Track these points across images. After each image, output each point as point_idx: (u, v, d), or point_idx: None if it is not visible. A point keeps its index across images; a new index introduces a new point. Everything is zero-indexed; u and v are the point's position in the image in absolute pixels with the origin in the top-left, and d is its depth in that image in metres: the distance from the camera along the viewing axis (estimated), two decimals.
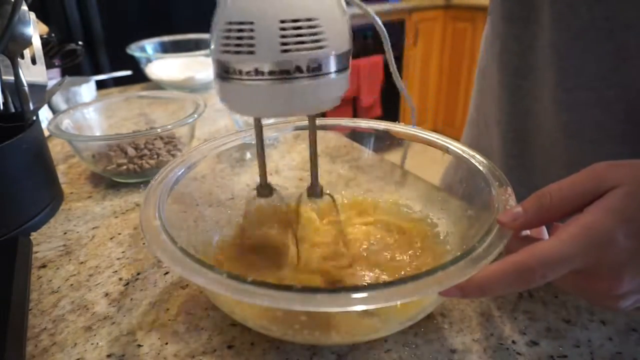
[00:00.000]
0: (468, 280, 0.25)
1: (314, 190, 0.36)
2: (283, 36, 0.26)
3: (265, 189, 0.36)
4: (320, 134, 0.50)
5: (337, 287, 0.25)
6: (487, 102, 0.54)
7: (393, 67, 0.41)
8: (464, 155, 0.39)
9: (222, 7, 0.27)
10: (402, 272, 0.38)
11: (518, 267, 0.25)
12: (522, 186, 0.28)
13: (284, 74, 0.26)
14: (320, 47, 0.26)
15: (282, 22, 0.25)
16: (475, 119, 0.58)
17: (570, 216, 0.27)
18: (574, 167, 0.28)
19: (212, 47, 0.28)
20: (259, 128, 0.33)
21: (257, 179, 0.36)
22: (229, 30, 0.27)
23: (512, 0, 0.45)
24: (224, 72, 0.28)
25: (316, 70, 0.27)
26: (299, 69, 0.26)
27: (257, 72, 0.27)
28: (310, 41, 0.26)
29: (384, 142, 0.47)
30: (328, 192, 0.37)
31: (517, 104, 0.49)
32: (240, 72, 0.27)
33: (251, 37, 0.26)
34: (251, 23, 0.26)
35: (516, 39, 0.46)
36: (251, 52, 0.26)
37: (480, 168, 0.37)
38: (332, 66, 0.28)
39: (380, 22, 0.38)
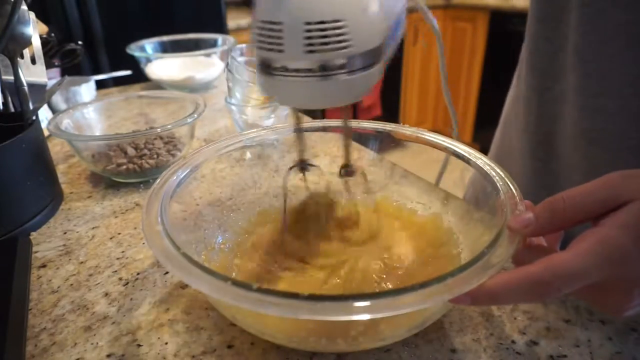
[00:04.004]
0: (479, 288, 0.25)
1: (347, 170, 0.40)
2: (309, 37, 0.27)
3: (305, 163, 0.40)
4: (320, 133, 0.50)
5: (344, 295, 0.24)
6: (518, 104, 0.53)
7: (445, 81, 0.43)
8: (470, 158, 0.38)
9: (257, 4, 0.28)
10: (415, 277, 0.37)
11: (533, 279, 0.24)
12: (546, 191, 0.27)
13: (308, 72, 0.28)
14: (345, 47, 0.27)
15: (308, 23, 0.26)
16: (508, 121, 0.58)
17: (580, 224, 0.27)
18: (592, 175, 0.27)
19: (252, 40, 0.30)
20: (295, 114, 0.37)
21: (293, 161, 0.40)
22: (262, 28, 0.28)
23: (544, 1, 0.45)
24: (259, 65, 0.30)
25: (341, 68, 0.28)
26: (324, 68, 0.28)
27: (286, 69, 0.28)
28: (335, 42, 0.27)
29: (385, 142, 0.46)
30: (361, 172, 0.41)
31: (545, 107, 0.48)
32: (272, 67, 0.29)
33: (280, 37, 0.27)
34: (280, 23, 0.27)
35: (547, 40, 0.45)
36: (280, 51, 0.28)
37: (488, 171, 0.36)
38: (358, 64, 0.28)
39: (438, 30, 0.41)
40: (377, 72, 0.30)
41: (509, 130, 0.57)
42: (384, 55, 0.31)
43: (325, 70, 0.28)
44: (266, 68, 0.29)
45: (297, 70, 0.28)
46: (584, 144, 0.44)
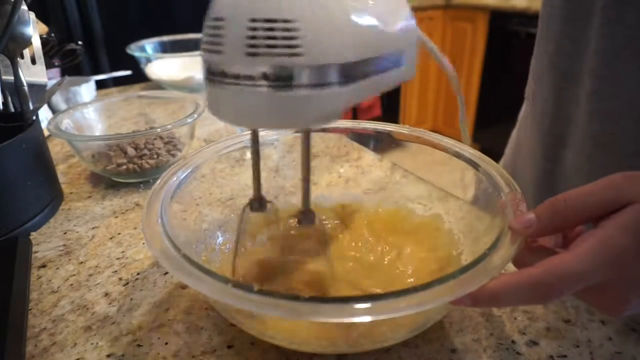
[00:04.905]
0: (480, 289, 0.24)
1: (307, 217, 0.32)
2: (252, 37, 0.23)
3: (259, 203, 0.33)
4: (320, 133, 0.50)
5: (345, 297, 0.24)
6: (534, 104, 0.53)
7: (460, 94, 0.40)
8: (471, 158, 0.38)
9: (210, 3, 0.25)
10: (414, 279, 0.37)
11: (534, 280, 0.24)
12: (553, 193, 0.27)
13: (248, 79, 0.23)
14: (294, 55, 0.23)
15: (253, 20, 0.22)
16: (523, 123, 0.57)
17: (582, 224, 0.27)
18: (595, 179, 0.27)
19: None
20: (253, 136, 0.31)
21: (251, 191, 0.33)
22: (207, 27, 0.24)
23: (573, 1, 0.44)
24: (204, 72, 0.26)
25: (285, 80, 0.23)
26: (265, 76, 0.23)
27: (224, 74, 0.24)
28: (283, 46, 0.22)
29: (385, 142, 0.46)
30: (319, 220, 0.34)
31: (561, 108, 0.47)
32: (211, 72, 0.25)
33: (220, 35, 0.24)
34: (222, 19, 0.23)
35: (572, 41, 0.45)
36: (219, 52, 0.24)
37: (489, 171, 0.36)
38: (309, 78, 0.23)
39: (446, 63, 0.36)
40: (340, 95, 0.25)
41: (524, 131, 0.56)
42: (358, 77, 0.25)
43: (267, 79, 0.23)
44: (206, 74, 0.25)
45: (236, 77, 0.24)
46: (590, 147, 0.44)
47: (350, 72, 0.25)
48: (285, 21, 0.22)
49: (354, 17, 0.24)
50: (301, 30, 0.22)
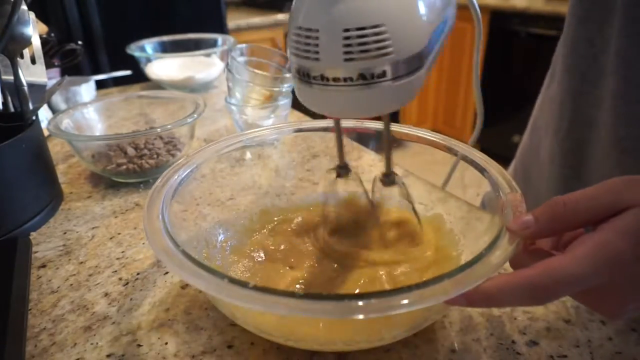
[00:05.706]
0: (476, 289, 0.24)
1: (388, 179, 0.37)
2: (347, 45, 0.25)
3: (343, 168, 0.38)
4: (320, 133, 0.50)
5: (340, 294, 0.24)
6: (549, 108, 0.52)
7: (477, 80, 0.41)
8: (473, 159, 0.38)
9: (294, 10, 0.27)
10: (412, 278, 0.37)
11: (530, 282, 0.24)
12: None
13: (348, 81, 0.27)
14: (386, 54, 0.26)
15: (346, 30, 0.25)
16: (536, 125, 0.56)
17: (581, 227, 0.27)
18: None
19: (288, 47, 0.29)
20: (336, 122, 0.36)
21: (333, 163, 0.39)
22: (298, 35, 0.27)
23: (589, 1, 0.43)
24: (296, 73, 0.29)
25: (382, 76, 0.26)
26: (363, 76, 0.26)
27: (323, 77, 0.27)
28: (375, 49, 0.25)
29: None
30: (401, 182, 0.38)
31: (580, 112, 0.46)
32: (309, 76, 0.28)
33: (316, 45, 0.26)
34: (316, 30, 0.26)
35: (588, 42, 0.44)
36: (317, 59, 0.26)
37: (490, 172, 0.36)
38: (401, 70, 0.27)
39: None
40: (423, 76, 0.28)
41: (538, 135, 0.55)
42: (430, 55, 0.29)
43: (365, 78, 0.26)
44: (303, 77, 0.28)
45: (335, 80, 0.27)
46: (616, 152, 0.43)
47: (425, 54, 0.28)
48: (374, 26, 0.25)
49: (420, 8, 0.27)
50: (388, 32, 0.25)
